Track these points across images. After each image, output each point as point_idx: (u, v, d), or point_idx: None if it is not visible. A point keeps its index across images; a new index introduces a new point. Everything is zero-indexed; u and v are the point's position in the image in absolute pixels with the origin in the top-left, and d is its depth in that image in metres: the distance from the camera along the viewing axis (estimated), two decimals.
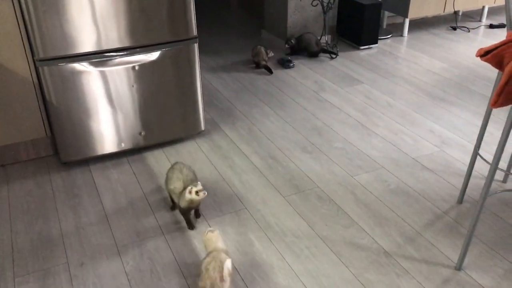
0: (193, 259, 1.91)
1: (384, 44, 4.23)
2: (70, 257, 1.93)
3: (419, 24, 4.70)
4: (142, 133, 2.57)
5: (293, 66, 3.26)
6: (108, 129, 2.48)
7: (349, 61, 3.85)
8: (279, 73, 3.62)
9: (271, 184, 2.36)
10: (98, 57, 2.31)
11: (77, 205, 2.23)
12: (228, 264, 1.65)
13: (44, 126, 2.48)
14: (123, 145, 2.56)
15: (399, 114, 3.01)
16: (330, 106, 3.13)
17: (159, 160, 2.57)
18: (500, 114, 2.99)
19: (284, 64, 3.41)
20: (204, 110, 2.69)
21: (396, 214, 2.14)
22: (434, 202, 2.22)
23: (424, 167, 2.48)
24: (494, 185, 2.34)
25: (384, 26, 4.61)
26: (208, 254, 1.71)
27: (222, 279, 1.62)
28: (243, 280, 1.81)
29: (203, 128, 2.75)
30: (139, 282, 1.81)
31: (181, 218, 2.14)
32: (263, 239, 2.01)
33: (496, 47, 1.56)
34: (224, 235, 2.04)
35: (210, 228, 1.81)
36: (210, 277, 1.62)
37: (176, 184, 2.06)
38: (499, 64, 1.57)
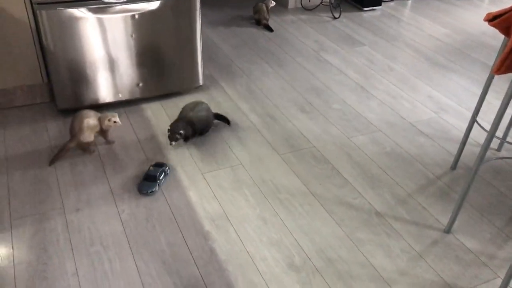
0: (188, 209, 1.94)
1: (388, 6, 4.16)
2: (65, 202, 1.95)
3: None
4: (139, 85, 2.55)
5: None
6: (105, 78, 2.45)
7: (352, 22, 3.79)
8: (280, 31, 3.57)
9: (267, 142, 2.37)
10: (98, 3, 2.26)
11: (73, 154, 2.23)
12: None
13: (41, 72, 2.45)
14: (120, 95, 2.54)
15: (399, 78, 3.00)
16: (330, 66, 3.10)
17: (156, 113, 2.56)
18: (499, 83, 2.98)
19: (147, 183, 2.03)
20: (203, 64, 2.65)
21: (390, 177, 2.17)
22: (428, 167, 2.24)
23: (420, 132, 2.49)
24: (488, 153, 2.36)
25: None
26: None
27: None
28: (236, 232, 1.84)
29: (201, 83, 2.73)
30: (134, 229, 1.84)
31: (179, 168, 2.15)
32: (257, 195, 2.03)
33: (504, 13, 1.54)
34: (219, 189, 2.06)
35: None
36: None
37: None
38: (506, 30, 1.55)
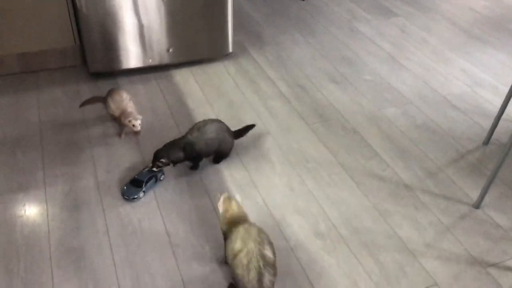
0: (216, 175, 1.95)
1: None
2: (97, 164, 1.99)
3: None
4: (170, 50, 2.55)
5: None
6: (136, 43, 2.46)
7: None
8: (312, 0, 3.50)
9: (296, 112, 2.36)
10: None
11: (104, 116, 2.26)
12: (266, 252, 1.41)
13: (74, 34, 2.47)
14: (150, 60, 2.55)
15: (433, 51, 2.92)
16: (362, 36, 3.04)
17: (185, 79, 2.56)
18: None
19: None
20: (233, 31, 2.63)
21: (420, 149, 2.14)
22: (459, 141, 2.20)
23: (453, 105, 2.43)
24: None
25: None
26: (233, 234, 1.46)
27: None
28: (263, 199, 1.86)
29: (231, 50, 2.71)
30: (163, 191, 1.87)
31: None
32: (285, 163, 2.04)
33: None
34: (247, 156, 2.07)
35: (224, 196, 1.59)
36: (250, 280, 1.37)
37: None
38: None
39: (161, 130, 2.19)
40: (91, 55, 2.43)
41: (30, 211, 1.77)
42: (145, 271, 1.57)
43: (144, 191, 1.85)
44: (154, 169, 1.87)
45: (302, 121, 2.29)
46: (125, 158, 2.03)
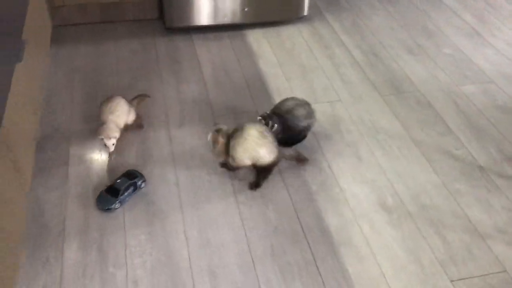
0: None
1: None
2: (169, 116, 2.04)
3: None
4: (245, 9, 2.53)
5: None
6: (213, 0, 2.46)
7: None
8: None
9: (369, 81, 2.29)
10: None
11: (178, 70, 2.30)
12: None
13: None
14: (225, 19, 2.54)
15: None
16: (445, 7, 2.88)
17: (258, 40, 2.55)
18: None
19: None
20: None
21: (498, 131, 2.03)
22: None
23: None
24: None
25: None
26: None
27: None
28: (329, 167, 1.85)
29: (306, 13, 2.66)
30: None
31: (276, 98, 2.16)
32: (354, 133, 2.00)
33: None
34: (316, 121, 2.05)
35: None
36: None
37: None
38: None
39: (231, 89, 2.21)
40: (168, 9, 2.45)
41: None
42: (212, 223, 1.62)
43: (120, 202, 1.65)
44: (259, 117, 1.78)
45: (375, 91, 2.23)
46: (196, 114, 2.06)
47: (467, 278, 1.49)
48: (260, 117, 1.81)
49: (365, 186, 1.77)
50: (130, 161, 1.83)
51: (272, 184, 1.76)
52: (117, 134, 1.79)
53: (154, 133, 1.96)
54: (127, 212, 1.64)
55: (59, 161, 1.82)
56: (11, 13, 1.61)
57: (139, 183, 1.71)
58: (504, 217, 1.68)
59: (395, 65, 2.40)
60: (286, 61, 2.40)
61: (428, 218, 1.67)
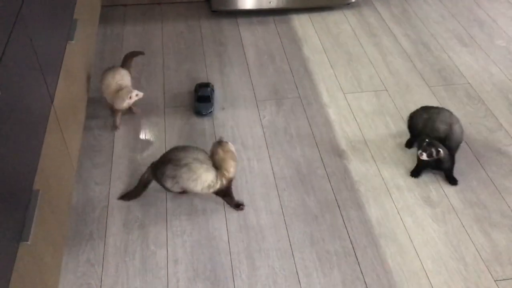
0: (326, 126, 1.93)
1: None
2: (212, 98, 2.04)
3: None
4: None
5: None
6: None
7: None
8: None
9: (417, 71, 2.23)
10: None
11: (222, 53, 2.30)
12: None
13: None
14: (271, 3, 2.52)
15: None
16: None
17: (303, 25, 2.51)
18: None
19: None
20: None
21: None
22: None
23: None
24: None
25: None
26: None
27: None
28: (372, 157, 1.81)
29: None
30: (273, 135, 1.89)
31: (321, 84, 2.13)
32: (399, 122, 1.96)
33: None
34: (360, 111, 2.01)
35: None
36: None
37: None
38: None
39: (274, 74, 2.19)
40: None
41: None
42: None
43: (213, 104, 1.97)
44: (423, 154, 1.62)
45: (423, 81, 2.17)
46: (239, 97, 2.06)
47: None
48: (421, 151, 1.63)
49: (409, 179, 1.74)
50: (176, 143, 1.85)
51: (314, 173, 1.75)
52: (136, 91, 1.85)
53: (199, 117, 1.97)
54: (169, 193, 1.66)
55: (105, 140, 1.86)
56: None
57: (212, 87, 2.03)
58: None
59: (445, 56, 2.32)
60: (332, 48, 2.36)
61: (474, 214, 1.62)
